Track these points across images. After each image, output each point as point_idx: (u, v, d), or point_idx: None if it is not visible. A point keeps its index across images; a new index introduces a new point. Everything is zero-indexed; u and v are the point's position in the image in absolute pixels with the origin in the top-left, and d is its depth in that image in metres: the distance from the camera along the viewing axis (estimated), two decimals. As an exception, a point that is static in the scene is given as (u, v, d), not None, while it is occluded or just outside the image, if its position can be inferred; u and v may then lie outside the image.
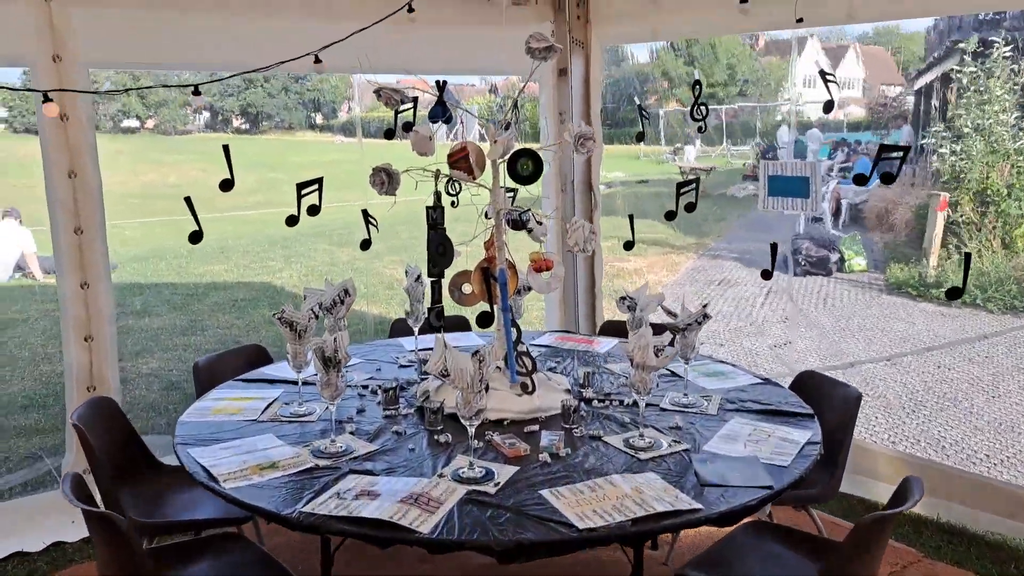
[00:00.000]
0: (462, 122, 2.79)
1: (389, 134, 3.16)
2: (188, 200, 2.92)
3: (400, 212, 2.85)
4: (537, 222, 2.71)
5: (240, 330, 7.73)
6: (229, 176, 3.21)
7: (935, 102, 17.71)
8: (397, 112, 3.00)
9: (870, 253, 10.45)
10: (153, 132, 35.23)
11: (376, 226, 3.24)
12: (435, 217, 2.78)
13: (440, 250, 2.75)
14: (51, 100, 3.13)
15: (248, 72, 3.74)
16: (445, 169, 2.70)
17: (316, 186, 3.10)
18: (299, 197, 3.06)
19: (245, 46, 3.77)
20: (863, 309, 8.30)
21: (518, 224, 2.75)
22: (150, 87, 3.95)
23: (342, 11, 3.93)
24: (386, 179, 2.64)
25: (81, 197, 3.35)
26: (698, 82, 3.93)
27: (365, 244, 3.22)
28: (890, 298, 8.73)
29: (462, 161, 2.68)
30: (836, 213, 13.12)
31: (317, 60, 3.81)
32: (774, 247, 3.32)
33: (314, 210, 3.10)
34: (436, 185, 2.76)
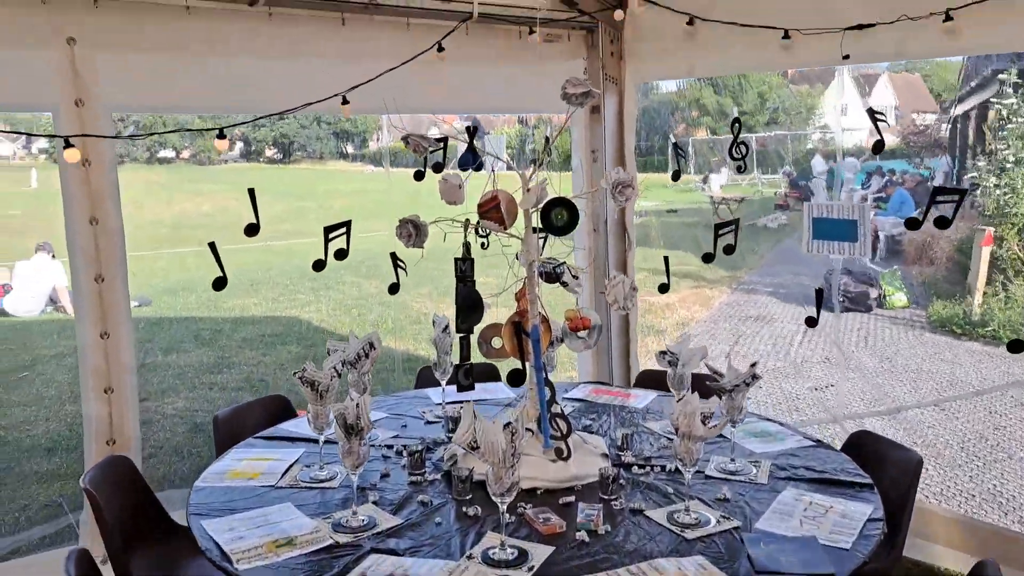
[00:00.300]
0: (493, 170, 2.66)
1: (419, 176, 3.04)
2: (212, 246, 2.82)
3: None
4: (572, 276, 2.56)
5: (267, 368, 7.64)
6: (255, 220, 3.14)
7: (972, 132, 17.39)
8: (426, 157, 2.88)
9: (910, 288, 10.14)
10: (188, 162, 35.83)
11: (405, 269, 3.11)
12: (464, 269, 2.64)
13: (469, 305, 2.61)
14: (72, 145, 3.07)
15: (273, 115, 3.66)
16: (474, 217, 2.57)
17: (344, 230, 3.00)
18: (326, 241, 2.96)
19: (271, 88, 3.69)
20: (906, 349, 8.01)
21: (552, 277, 2.60)
22: (175, 131, 3.91)
23: (371, 51, 3.85)
24: (413, 231, 2.51)
25: (103, 244, 3.26)
26: (737, 120, 3.79)
27: (393, 288, 3.09)
28: (934, 336, 8.42)
29: (493, 211, 2.55)
30: (873, 246, 12.83)
31: (345, 101, 3.73)
32: (819, 293, 3.13)
33: (341, 254, 2.99)
34: (465, 235, 2.63)
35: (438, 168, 2.91)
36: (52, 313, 9.91)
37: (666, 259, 3.19)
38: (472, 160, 2.73)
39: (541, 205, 2.54)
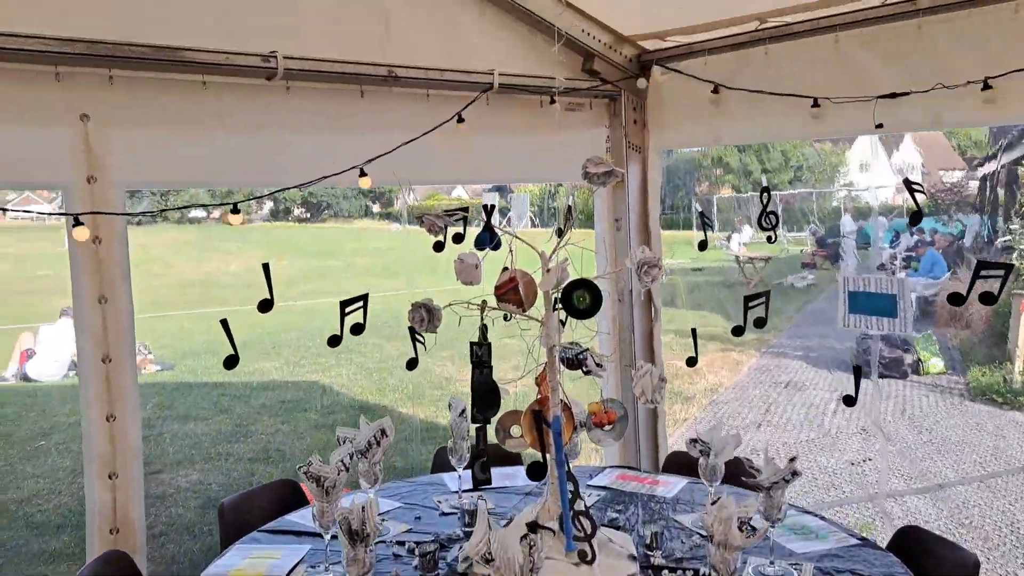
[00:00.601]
0: (512, 250, 2.53)
1: (438, 247, 2.93)
2: (224, 323, 2.73)
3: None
4: (596, 363, 2.41)
5: (285, 436, 7.48)
6: (269, 296, 3.09)
7: (1003, 191, 17.14)
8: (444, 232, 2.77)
9: (946, 353, 9.82)
10: (218, 221, 36.43)
11: (424, 343, 2.98)
12: (480, 355, 2.50)
13: (485, 392, 2.46)
14: (82, 223, 3.00)
15: (290, 188, 3.59)
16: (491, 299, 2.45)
17: (361, 304, 2.91)
18: (343, 316, 2.87)
19: (287, 161, 3.62)
20: (945, 419, 7.68)
21: (574, 363, 2.45)
22: (188, 206, 3.85)
23: (389, 122, 3.79)
24: (426, 316, 2.39)
25: (111, 323, 3.16)
26: (766, 188, 3.66)
27: (412, 363, 2.96)
28: (974, 406, 8.09)
29: (511, 293, 2.42)
30: (905, 307, 12.53)
31: (362, 173, 3.66)
32: (857, 370, 2.94)
33: (358, 329, 2.89)
34: (482, 317, 2.49)
35: (459, 239, 2.81)
36: (74, 378, 9.87)
37: (694, 331, 3.03)
38: (489, 239, 2.61)
39: (562, 287, 2.40)
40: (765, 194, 3.62)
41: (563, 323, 2.46)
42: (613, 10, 4.19)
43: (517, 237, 2.61)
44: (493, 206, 2.66)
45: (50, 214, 3.04)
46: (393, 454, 5.71)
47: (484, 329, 2.50)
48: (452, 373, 9.85)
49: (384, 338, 11.68)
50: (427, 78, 3.80)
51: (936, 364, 9.33)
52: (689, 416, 7.89)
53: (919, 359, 9.30)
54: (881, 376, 9.11)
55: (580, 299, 2.42)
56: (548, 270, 2.40)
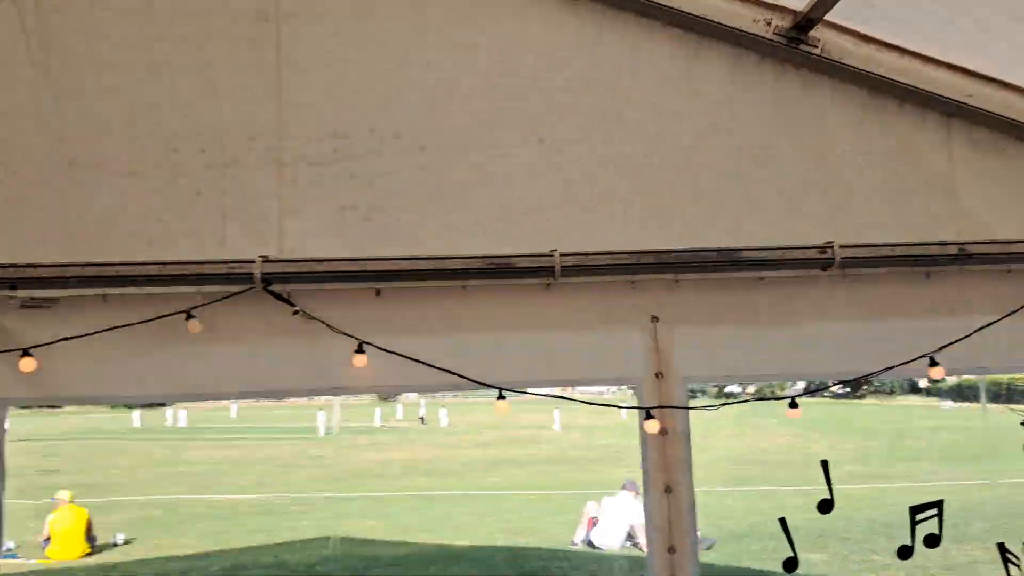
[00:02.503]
0: None
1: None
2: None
3: None
4: None
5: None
6: (829, 496, 3.09)
7: None
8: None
9: None
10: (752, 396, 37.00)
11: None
12: None
13: None
14: (653, 417, 3.22)
15: (843, 381, 3.39)
16: None
17: (936, 512, 2.69)
18: (913, 524, 2.63)
19: (834, 350, 3.47)
20: None
21: None
22: (746, 400, 3.76)
23: (961, 305, 3.41)
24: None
25: (674, 515, 3.28)
26: None
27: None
28: None
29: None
30: None
31: (933, 363, 3.32)
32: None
33: (932, 540, 2.61)
34: None
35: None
36: (629, 549, 10.55)
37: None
38: None
39: None
40: None
41: None
42: None
43: None
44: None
45: (627, 407, 3.35)
46: None
47: None
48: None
49: (950, 539, 10.10)
50: (1007, 252, 3.36)
51: None
52: None
53: None
54: None
55: None
56: None
